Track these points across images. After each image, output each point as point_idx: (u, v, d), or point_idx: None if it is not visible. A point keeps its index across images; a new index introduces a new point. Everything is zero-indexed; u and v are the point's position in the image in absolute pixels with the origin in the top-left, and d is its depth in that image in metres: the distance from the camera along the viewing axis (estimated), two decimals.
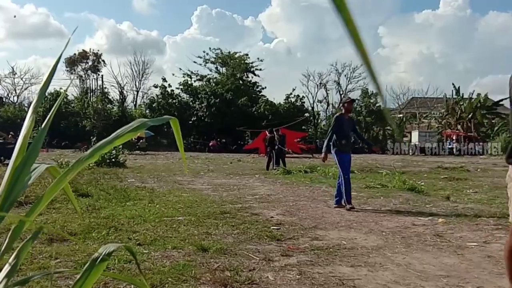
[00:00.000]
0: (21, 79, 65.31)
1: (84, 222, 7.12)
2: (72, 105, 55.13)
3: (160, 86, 55.33)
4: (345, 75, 59.92)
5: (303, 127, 53.35)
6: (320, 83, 59.49)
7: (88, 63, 61.21)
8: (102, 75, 60.94)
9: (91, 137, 42.58)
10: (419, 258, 5.66)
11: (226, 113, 50.59)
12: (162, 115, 2.41)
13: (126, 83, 63.13)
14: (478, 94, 52.19)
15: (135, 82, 64.40)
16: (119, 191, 11.11)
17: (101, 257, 1.56)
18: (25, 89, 65.83)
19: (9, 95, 65.80)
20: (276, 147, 21.80)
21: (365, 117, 53.89)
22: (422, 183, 13.86)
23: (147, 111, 54.10)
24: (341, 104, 11.12)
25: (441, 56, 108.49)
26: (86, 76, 61.27)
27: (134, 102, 63.04)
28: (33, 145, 1.68)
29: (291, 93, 55.49)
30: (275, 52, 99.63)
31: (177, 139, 1.84)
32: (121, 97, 57.92)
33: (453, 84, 54.08)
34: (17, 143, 1.65)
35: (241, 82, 54.83)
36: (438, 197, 11.51)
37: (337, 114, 10.82)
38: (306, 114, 56.41)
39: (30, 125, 1.71)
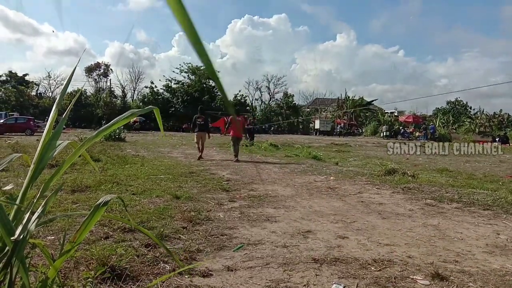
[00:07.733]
0: (54, 80, 63.78)
1: (96, 178, 6.91)
2: (90, 98, 53.49)
3: (149, 87, 54.40)
4: (273, 82, 59.98)
5: (245, 116, 53.09)
6: (257, 87, 59.57)
7: (100, 70, 58.97)
8: (110, 79, 60.03)
9: (102, 121, 41.50)
10: (317, 203, 5.82)
11: (194, 106, 50.19)
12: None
13: (127, 84, 64.57)
14: (360, 97, 53.14)
15: (133, 84, 64.34)
16: (120, 157, 10.78)
17: (101, 204, 1.55)
18: (57, 87, 63.76)
19: (46, 91, 63.99)
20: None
21: (286, 110, 54.24)
22: (321, 154, 14.18)
23: (140, 104, 53.08)
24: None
25: (335, 72, 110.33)
26: (99, 79, 59.44)
27: (132, 98, 62.21)
28: (57, 127, 1.68)
29: (237, 94, 55.29)
30: (226, 66, 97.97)
31: (159, 123, 1.82)
32: (123, 94, 56.78)
33: (345, 89, 55.16)
34: (46, 126, 1.64)
35: (204, 85, 53.69)
36: (330, 163, 11.82)
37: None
38: (248, 108, 56.24)
39: (54, 115, 1.67)
